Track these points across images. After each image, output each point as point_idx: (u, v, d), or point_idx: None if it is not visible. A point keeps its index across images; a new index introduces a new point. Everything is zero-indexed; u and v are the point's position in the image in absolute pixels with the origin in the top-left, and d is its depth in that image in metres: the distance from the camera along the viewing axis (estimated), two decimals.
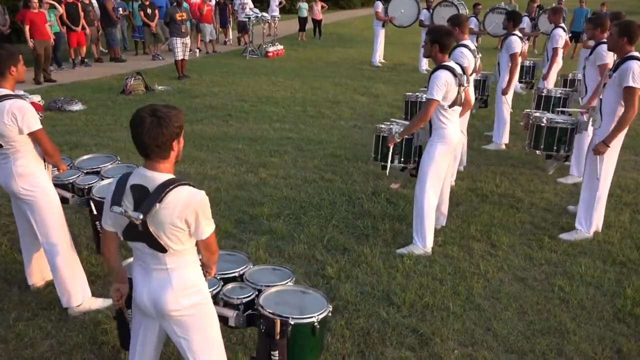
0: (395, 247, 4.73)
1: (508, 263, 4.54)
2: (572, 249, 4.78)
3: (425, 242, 4.58)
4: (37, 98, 9.07)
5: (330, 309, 2.84)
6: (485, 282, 4.24)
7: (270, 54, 15.64)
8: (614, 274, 4.41)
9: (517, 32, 7.29)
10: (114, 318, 2.96)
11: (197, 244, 2.43)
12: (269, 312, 2.70)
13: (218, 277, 3.03)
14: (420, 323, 3.72)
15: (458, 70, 4.37)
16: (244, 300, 2.88)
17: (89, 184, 4.04)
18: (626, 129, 4.69)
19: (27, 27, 11.00)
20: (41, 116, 3.63)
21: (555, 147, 5.55)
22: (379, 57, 14.64)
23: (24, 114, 3.38)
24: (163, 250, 2.29)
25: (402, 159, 5.09)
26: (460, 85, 4.35)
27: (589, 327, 3.74)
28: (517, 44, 7.12)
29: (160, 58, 14.66)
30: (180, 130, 2.29)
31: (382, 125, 5.24)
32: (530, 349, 3.51)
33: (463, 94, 4.46)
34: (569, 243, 4.86)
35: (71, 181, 4.13)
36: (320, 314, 2.75)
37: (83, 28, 13.05)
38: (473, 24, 12.40)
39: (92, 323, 3.62)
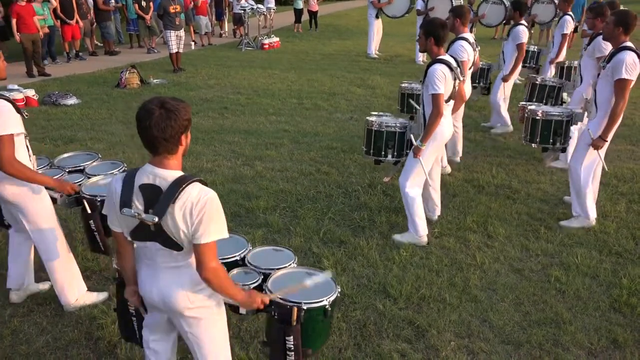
0: (391, 239, 4.72)
1: (504, 254, 4.54)
2: (568, 239, 4.78)
3: (417, 230, 4.60)
4: (31, 92, 9.14)
5: (339, 290, 2.82)
6: (481, 274, 4.24)
7: (266, 46, 15.57)
8: (610, 264, 4.41)
9: (523, 21, 7.31)
10: (114, 310, 2.93)
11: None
12: (281, 299, 2.66)
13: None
14: (416, 315, 3.72)
15: (454, 63, 4.31)
16: (252, 287, 2.84)
17: (76, 183, 3.83)
18: (619, 120, 4.67)
19: (14, 21, 10.90)
20: (27, 115, 3.45)
21: (551, 140, 5.47)
22: (374, 48, 14.59)
23: None
24: (178, 248, 2.22)
25: (395, 153, 4.95)
26: (455, 79, 4.29)
27: (585, 318, 3.74)
28: (524, 34, 7.13)
29: (156, 51, 14.58)
30: (189, 123, 2.20)
31: (373, 119, 5.07)
32: (526, 339, 3.51)
33: (457, 88, 4.40)
34: (565, 233, 4.86)
35: None
36: (331, 296, 2.74)
37: (77, 21, 12.96)
38: None
39: (87, 318, 3.61)
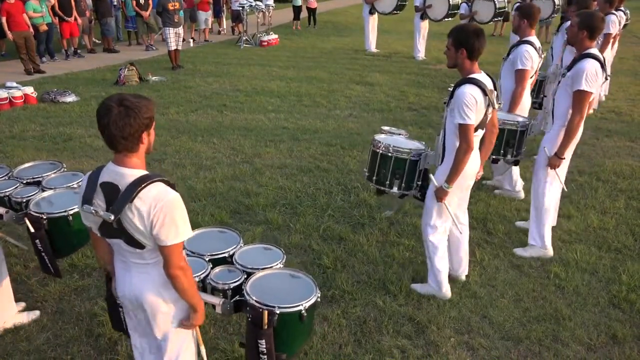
0: (391, 236, 4.73)
1: (504, 250, 4.54)
2: (568, 235, 4.79)
3: (439, 285, 3.90)
4: (29, 90, 9.12)
5: (319, 295, 2.76)
6: (481, 270, 4.25)
7: (265, 44, 15.55)
8: (609, 260, 4.42)
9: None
10: (105, 299, 2.93)
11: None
12: (255, 301, 2.62)
13: (207, 259, 2.98)
14: (416, 311, 3.73)
15: (489, 86, 3.45)
16: (232, 286, 2.80)
17: (26, 197, 3.46)
18: (577, 137, 4.18)
19: (4, 19, 10.87)
20: None
21: (502, 151, 4.67)
22: (372, 44, 14.59)
23: None
24: (140, 247, 2.21)
25: (403, 185, 3.99)
26: (489, 106, 3.45)
27: (584, 313, 3.76)
28: None
29: (154, 48, 14.56)
30: (151, 121, 2.16)
31: (381, 137, 4.20)
32: (526, 335, 3.52)
33: (490, 116, 3.54)
34: (564, 230, 4.87)
35: (7, 194, 3.53)
36: (308, 301, 2.66)
37: (75, 19, 12.92)
38: (464, 9, 12.32)
39: (88, 316, 3.62)
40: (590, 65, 3.94)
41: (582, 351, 3.40)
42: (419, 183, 4.02)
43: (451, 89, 3.53)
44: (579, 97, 3.98)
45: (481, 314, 3.74)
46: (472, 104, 3.33)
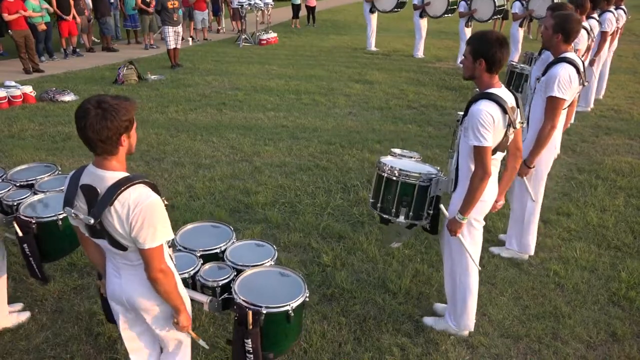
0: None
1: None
2: (567, 233, 4.80)
3: (460, 324, 3.48)
4: (28, 89, 9.11)
5: (308, 295, 2.74)
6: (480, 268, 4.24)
7: (264, 42, 15.53)
8: (608, 258, 4.43)
9: (611, 8, 7.40)
10: (98, 289, 2.93)
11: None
12: (242, 300, 2.60)
13: (198, 255, 2.96)
14: (416, 309, 3.73)
15: (510, 102, 2.99)
16: (221, 283, 2.79)
17: (18, 200, 3.40)
18: (556, 144, 3.97)
19: (5, 15, 10.86)
20: None
21: None
22: (371, 42, 14.58)
23: None
24: (123, 248, 2.20)
25: (411, 214, 3.45)
26: (509, 125, 3.01)
27: (584, 311, 3.76)
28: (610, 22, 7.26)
29: (155, 47, 14.53)
30: (130, 123, 2.11)
31: (387, 160, 3.66)
32: (525, 333, 3.53)
33: (511, 137, 3.10)
34: (563, 227, 4.87)
35: None
36: (296, 301, 2.63)
37: (73, 17, 12.90)
38: (462, 7, 12.30)
39: (87, 314, 3.62)
40: (564, 71, 3.72)
41: (581, 349, 3.41)
42: (430, 212, 3.49)
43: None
44: (551, 104, 3.76)
45: (480, 311, 3.73)
46: (488, 123, 2.90)
